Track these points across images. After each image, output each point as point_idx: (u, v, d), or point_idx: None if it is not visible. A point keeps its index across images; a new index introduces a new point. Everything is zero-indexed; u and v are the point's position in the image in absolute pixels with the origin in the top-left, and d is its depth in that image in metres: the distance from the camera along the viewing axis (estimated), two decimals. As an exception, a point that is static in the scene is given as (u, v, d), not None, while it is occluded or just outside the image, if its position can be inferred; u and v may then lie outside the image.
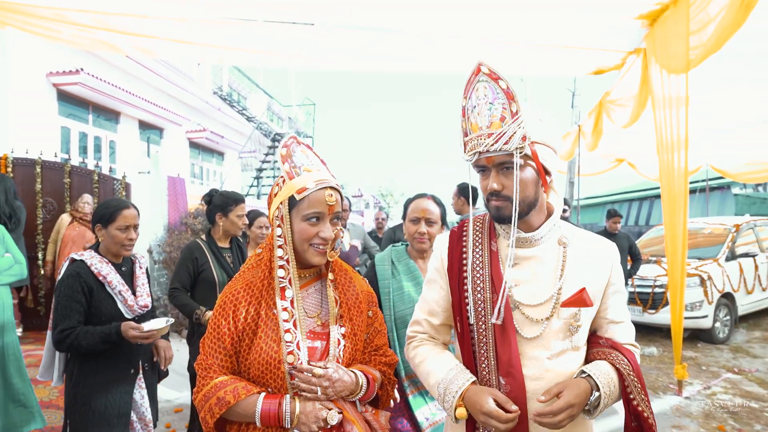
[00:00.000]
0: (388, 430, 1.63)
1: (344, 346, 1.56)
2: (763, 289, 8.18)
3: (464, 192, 5.38)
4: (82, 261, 2.47)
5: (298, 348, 1.49)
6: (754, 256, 8.06)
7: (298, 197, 1.51)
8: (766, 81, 5.20)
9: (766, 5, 2.97)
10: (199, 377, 1.52)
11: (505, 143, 1.40)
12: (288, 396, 1.46)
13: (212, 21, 3.93)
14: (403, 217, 2.61)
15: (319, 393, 1.45)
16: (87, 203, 6.34)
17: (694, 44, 3.52)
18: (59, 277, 2.48)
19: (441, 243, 1.68)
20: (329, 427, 1.44)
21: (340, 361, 1.55)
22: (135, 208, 2.61)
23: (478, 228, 1.62)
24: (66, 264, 2.50)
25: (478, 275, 1.54)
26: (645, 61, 4.43)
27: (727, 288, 7.40)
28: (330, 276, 1.63)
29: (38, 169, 6.01)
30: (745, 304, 7.83)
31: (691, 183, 13.33)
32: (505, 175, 1.45)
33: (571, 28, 4.14)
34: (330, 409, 1.45)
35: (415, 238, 2.47)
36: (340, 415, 1.46)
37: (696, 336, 7.28)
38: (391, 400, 1.89)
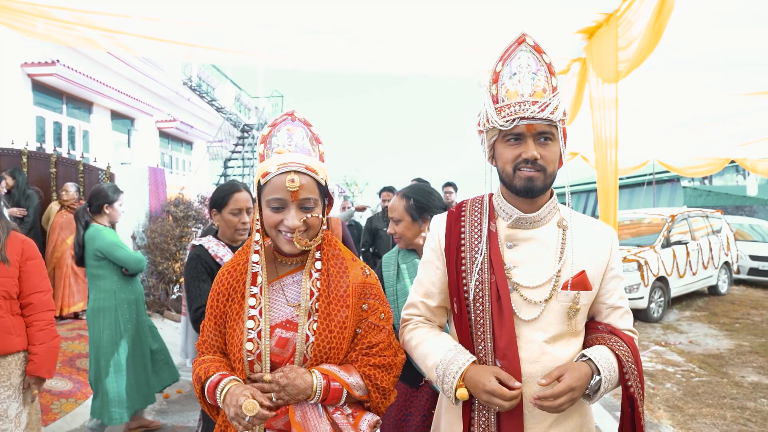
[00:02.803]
0: None
1: (312, 342, 1.43)
2: (693, 274, 8.96)
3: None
4: (201, 245, 2.51)
5: (259, 337, 1.42)
6: (686, 243, 8.84)
7: (262, 182, 1.43)
8: (697, 89, 5.86)
9: (679, 25, 3.56)
10: (198, 353, 1.60)
11: (551, 113, 1.39)
12: (230, 377, 1.41)
13: (186, 21, 4.22)
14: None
15: (274, 399, 1.39)
16: (67, 191, 6.61)
17: (623, 58, 4.07)
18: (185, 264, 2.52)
19: (438, 223, 1.63)
20: (247, 419, 1.29)
21: (308, 357, 1.44)
22: (248, 191, 2.56)
23: (477, 208, 1.58)
24: (189, 251, 2.58)
25: (476, 256, 1.50)
26: (583, 67, 5.02)
27: (661, 272, 8.10)
28: (317, 265, 1.50)
29: (24, 159, 6.24)
30: (677, 287, 8.59)
31: (640, 176, 14.05)
32: (541, 145, 1.43)
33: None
34: (257, 400, 1.31)
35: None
36: (258, 409, 1.28)
37: (634, 316, 7.93)
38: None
